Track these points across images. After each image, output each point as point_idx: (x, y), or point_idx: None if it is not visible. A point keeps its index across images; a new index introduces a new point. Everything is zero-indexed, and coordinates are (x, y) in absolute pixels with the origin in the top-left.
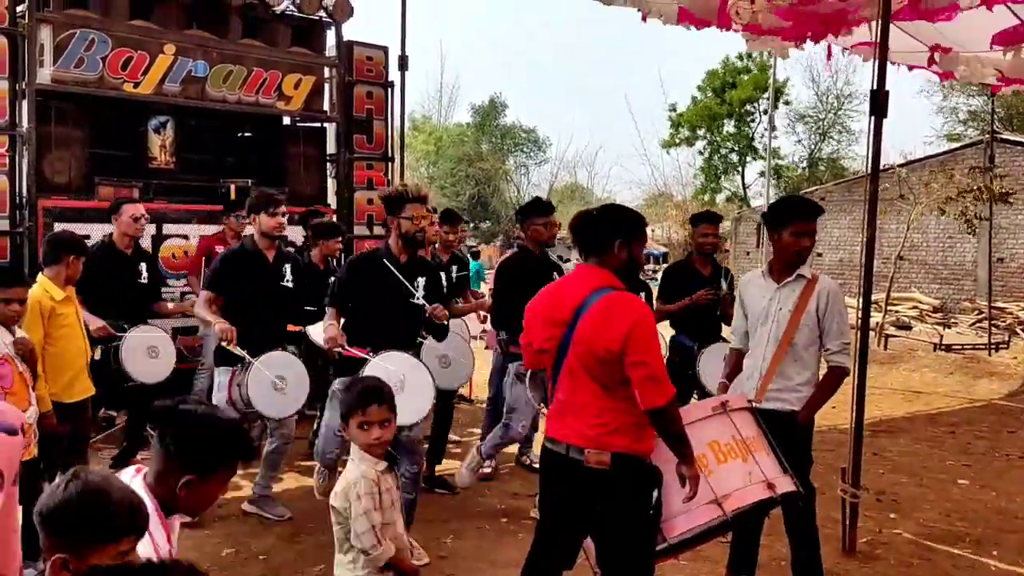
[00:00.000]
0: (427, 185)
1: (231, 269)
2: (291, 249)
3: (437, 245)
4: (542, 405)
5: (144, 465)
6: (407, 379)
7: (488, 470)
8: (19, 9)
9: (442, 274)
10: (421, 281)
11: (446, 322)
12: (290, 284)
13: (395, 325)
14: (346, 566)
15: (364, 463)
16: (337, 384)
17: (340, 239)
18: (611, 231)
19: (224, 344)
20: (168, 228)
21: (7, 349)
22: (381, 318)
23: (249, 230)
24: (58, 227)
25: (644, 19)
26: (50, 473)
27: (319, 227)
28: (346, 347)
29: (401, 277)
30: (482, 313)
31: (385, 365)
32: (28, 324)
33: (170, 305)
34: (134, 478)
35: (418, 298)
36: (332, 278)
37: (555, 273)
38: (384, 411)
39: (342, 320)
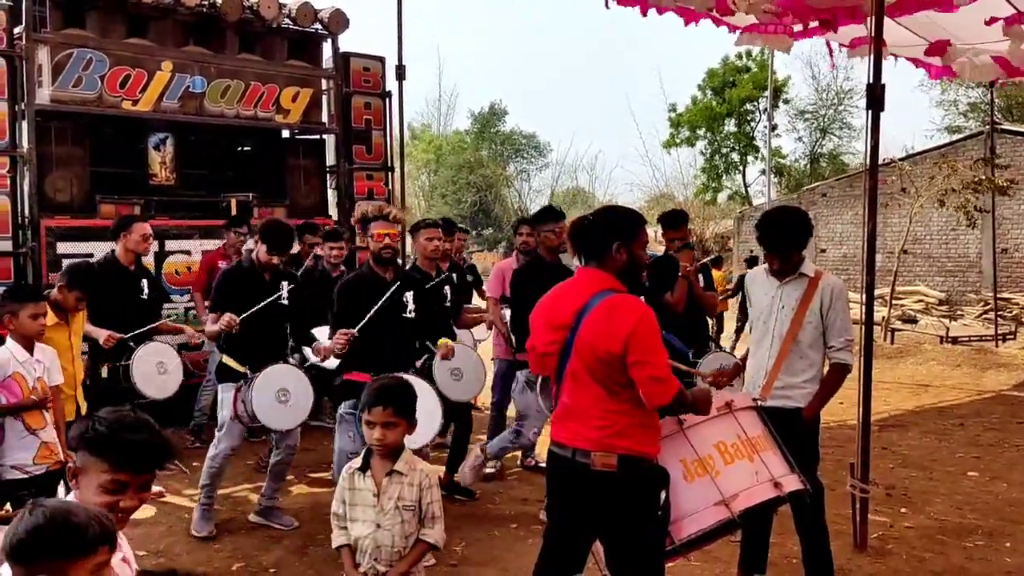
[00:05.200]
0: (395, 206)
1: (229, 287)
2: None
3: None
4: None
5: None
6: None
7: (492, 470)
8: (16, 30)
9: (446, 288)
10: (409, 296)
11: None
12: (285, 302)
13: (390, 342)
14: None
15: (352, 460)
16: (344, 408)
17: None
18: (608, 234)
19: (219, 344)
20: (170, 244)
21: (20, 368)
22: (375, 337)
23: (250, 244)
24: (61, 246)
25: (644, 13)
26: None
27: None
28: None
29: (388, 294)
30: (487, 319)
31: None
32: None
33: (168, 324)
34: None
35: (409, 312)
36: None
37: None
38: (386, 414)
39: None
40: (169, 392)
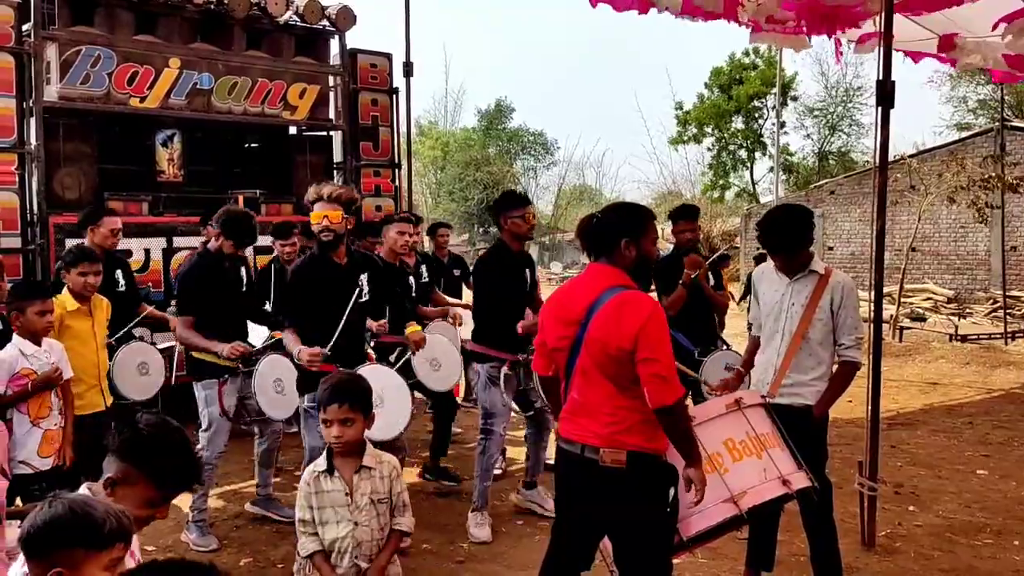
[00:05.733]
0: (337, 184)
1: (196, 288)
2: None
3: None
4: (516, 405)
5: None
6: (384, 393)
7: (499, 471)
8: (25, 28)
9: (411, 279)
10: (364, 278)
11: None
12: (246, 289)
13: (345, 327)
14: None
15: (313, 464)
16: (306, 402)
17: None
18: (615, 232)
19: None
20: (178, 241)
21: (28, 363)
22: (330, 321)
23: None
24: (69, 243)
25: (644, 11)
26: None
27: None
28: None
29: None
30: (457, 315)
31: None
32: None
33: (150, 309)
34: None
35: (365, 294)
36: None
37: (527, 270)
38: (343, 411)
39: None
40: (150, 393)
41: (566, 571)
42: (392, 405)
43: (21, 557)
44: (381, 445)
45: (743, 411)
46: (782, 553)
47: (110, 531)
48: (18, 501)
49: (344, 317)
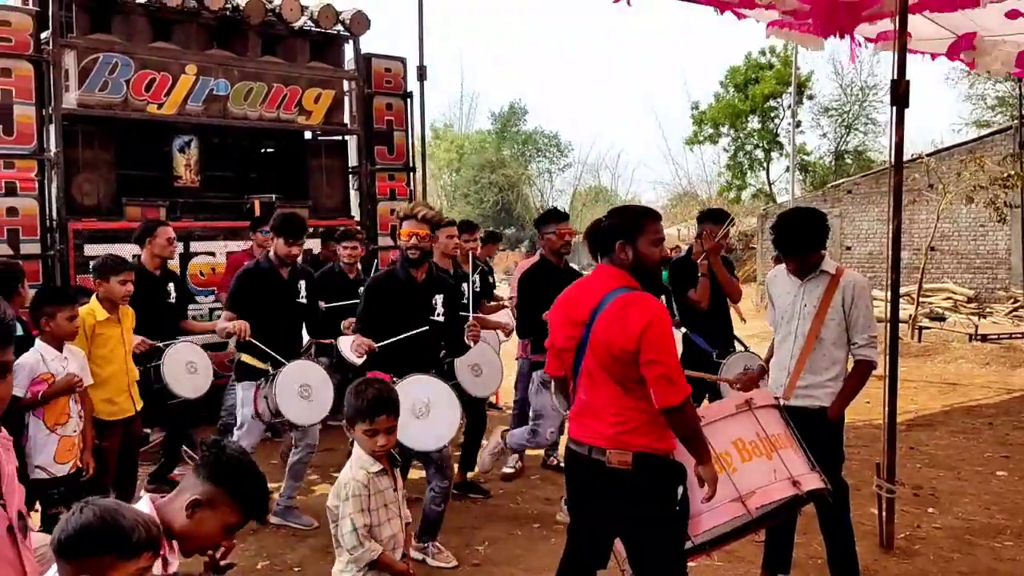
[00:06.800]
0: (427, 204)
1: (248, 287)
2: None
3: (458, 255)
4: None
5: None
6: (432, 403)
7: (511, 469)
8: (43, 36)
9: (464, 286)
10: (439, 299)
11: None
12: (304, 300)
13: (416, 344)
14: (341, 567)
15: (358, 465)
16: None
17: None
18: (610, 234)
19: (236, 343)
20: (195, 246)
21: (48, 367)
22: (402, 339)
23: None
24: (88, 249)
25: None
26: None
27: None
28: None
29: (418, 296)
30: (506, 329)
31: (409, 391)
32: (76, 338)
33: (197, 324)
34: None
35: (438, 315)
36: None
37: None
38: (390, 420)
39: None
40: (201, 391)
41: (581, 571)
42: (440, 417)
43: (55, 564)
44: (423, 455)
45: (754, 411)
46: (799, 555)
47: (138, 540)
48: (37, 505)
49: (407, 331)
